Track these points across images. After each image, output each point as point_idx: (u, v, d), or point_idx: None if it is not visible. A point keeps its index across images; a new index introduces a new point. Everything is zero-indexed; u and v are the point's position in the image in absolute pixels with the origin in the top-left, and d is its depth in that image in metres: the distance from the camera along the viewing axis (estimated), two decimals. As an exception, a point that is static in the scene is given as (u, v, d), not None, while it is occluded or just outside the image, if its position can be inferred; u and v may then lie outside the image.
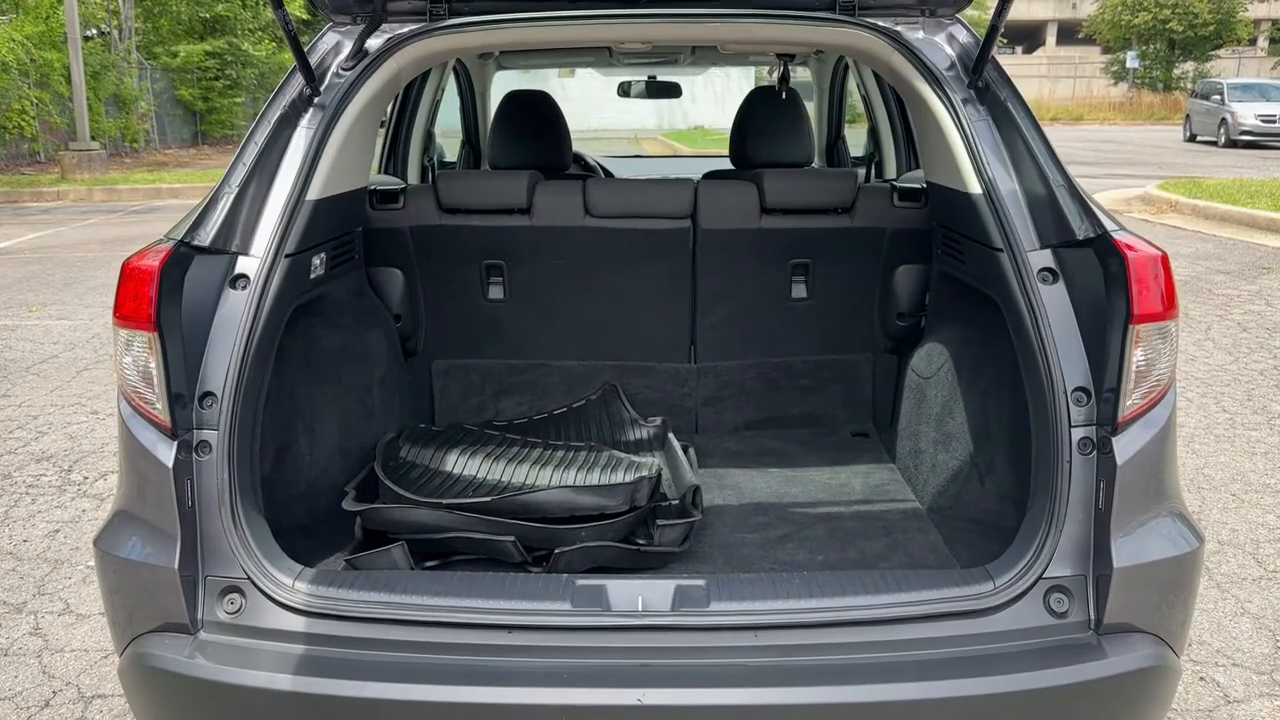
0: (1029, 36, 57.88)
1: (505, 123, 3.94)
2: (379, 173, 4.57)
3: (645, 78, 5.61)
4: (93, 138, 21.17)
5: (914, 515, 2.81)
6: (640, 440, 3.30)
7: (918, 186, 3.19)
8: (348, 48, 2.74)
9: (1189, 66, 45.47)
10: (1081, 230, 2.20)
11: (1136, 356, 2.10)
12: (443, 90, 4.72)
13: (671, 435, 3.18)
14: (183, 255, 2.22)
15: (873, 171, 4.57)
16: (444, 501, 2.51)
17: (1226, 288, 9.30)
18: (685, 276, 3.32)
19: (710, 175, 4.14)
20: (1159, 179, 17.65)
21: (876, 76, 4.40)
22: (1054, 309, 2.21)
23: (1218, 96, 28.56)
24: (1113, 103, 44.33)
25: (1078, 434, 2.11)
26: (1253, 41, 49.45)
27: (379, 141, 4.59)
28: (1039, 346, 2.18)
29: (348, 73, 2.68)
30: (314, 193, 2.52)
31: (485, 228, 3.22)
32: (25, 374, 6.92)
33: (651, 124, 24.90)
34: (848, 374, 3.44)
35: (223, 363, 2.21)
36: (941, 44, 2.70)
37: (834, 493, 2.99)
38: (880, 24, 2.69)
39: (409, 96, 4.54)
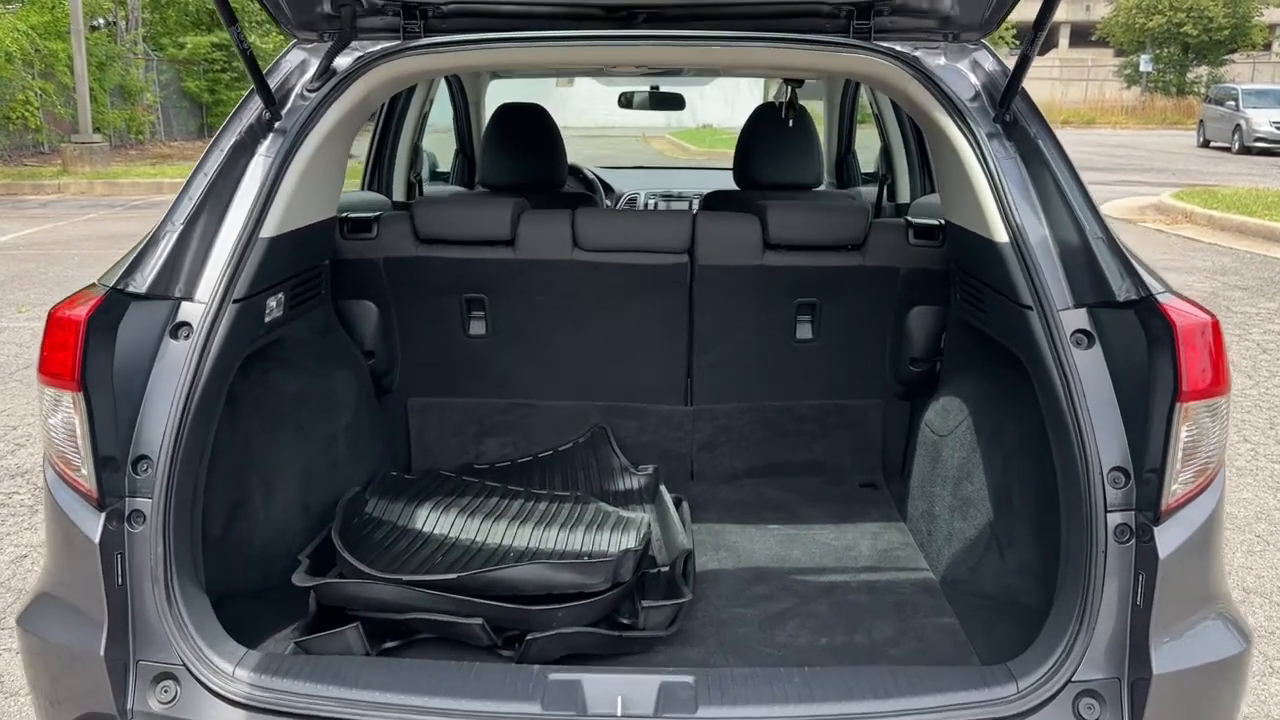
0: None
1: (497, 138, 3.73)
2: (363, 189, 4.34)
3: (648, 88, 5.37)
4: (96, 130, 21.00)
5: (927, 589, 2.57)
6: (630, 491, 3.07)
7: (934, 223, 2.94)
8: (314, 67, 2.52)
9: (1203, 71, 45.06)
10: (1122, 290, 1.97)
11: (1183, 435, 1.87)
12: (431, 102, 4.48)
13: (663, 488, 2.94)
14: (115, 303, 2.00)
15: (884, 194, 4.32)
16: (405, 578, 2.28)
17: (1245, 305, 9.02)
18: (681, 314, 3.08)
19: (712, 199, 3.91)
20: (1173, 187, 17.36)
21: None
22: (1089, 377, 1.98)
23: (1232, 102, 28.20)
24: (1125, 107, 43.94)
25: (1114, 519, 1.88)
26: (1267, 46, 49.04)
27: (365, 154, 4.38)
28: (1071, 419, 1.96)
29: (313, 94, 2.46)
30: (270, 228, 2.29)
31: (465, 260, 2.99)
32: (8, 380, 6.70)
33: (659, 122, 24.64)
34: (855, 420, 3.20)
35: (160, 422, 2.00)
36: (965, 71, 2.46)
37: (840, 557, 2.76)
38: (897, 49, 2.45)
39: (394, 108, 4.31)
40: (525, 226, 2.97)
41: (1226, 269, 10.80)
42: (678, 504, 2.86)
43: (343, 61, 2.52)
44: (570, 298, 3.08)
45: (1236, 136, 27.17)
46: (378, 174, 4.28)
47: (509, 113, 3.77)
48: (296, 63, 2.56)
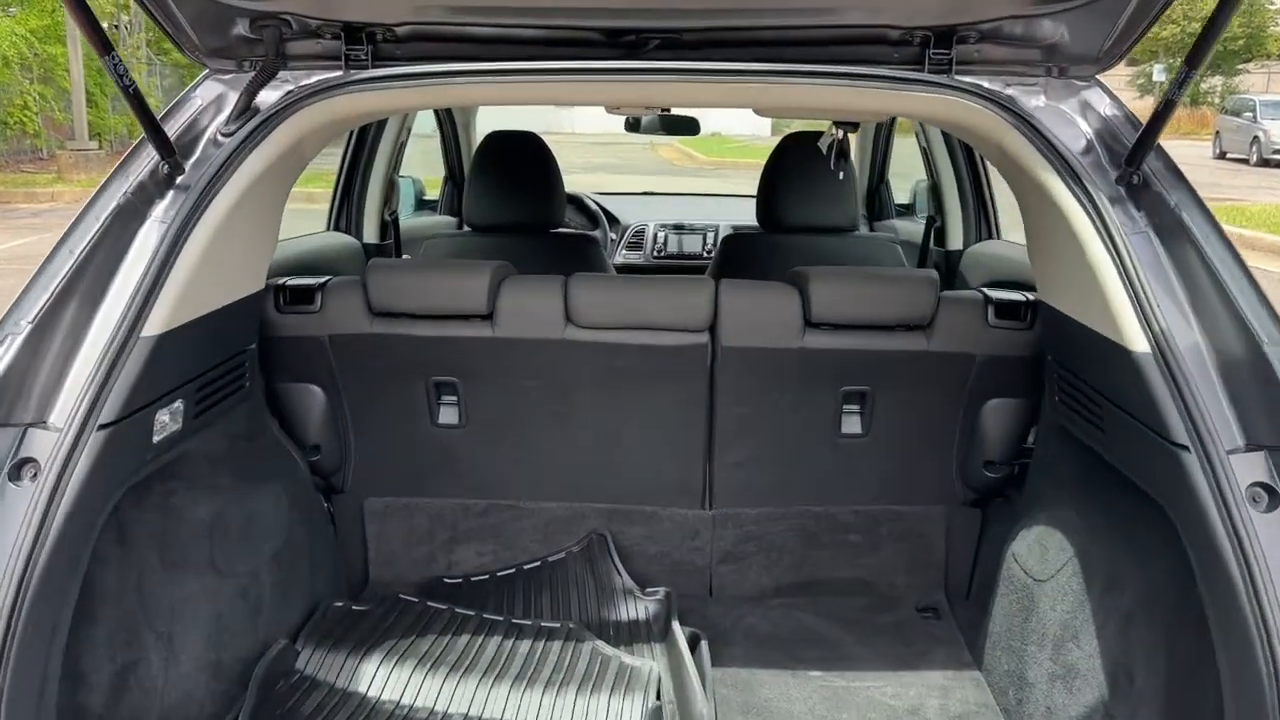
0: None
1: (484, 173, 3.17)
2: (329, 229, 3.77)
3: (657, 110, 4.78)
4: (93, 137, 20.56)
5: None
6: (635, 622, 2.49)
7: (1019, 299, 2.36)
8: (231, 103, 1.96)
9: (1217, 81, 44.39)
10: None
11: None
12: (409, 130, 3.91)
13: (677, 625, 2.36)
14: None
15: (930, 238, 3.74)
16: None
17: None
18: (700, 402, 2.50)
19: (732, 245, 3.32)
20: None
21: None
22: (1273, 547, 1.41)
23: (1250, 113, 27.60)
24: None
25: None
26: (1283, 56, 48.40)
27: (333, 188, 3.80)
28: (1248, 602, 1.40)
29: (228, 139, 1.90)
30: (160, 321, 1.74)
31: (432, 338, 2.41)
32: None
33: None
34: (913, 531, 2.62)
35: None
36: (1073, 116, 1.90)
37: None
38: (986, 86, 1.88)
39: (365, 133, 3.73)
40: (507, 298, 2.39)
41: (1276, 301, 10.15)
42: (694, 643, 2.28)
43: (269, 97, 1.97)
44: (562, 383, 2.50)
45: (1255, 148, 26.54)
46: (345, 211, 3.71)
47: (498, 142, 3.22)
48: (211, 97, 2.01)
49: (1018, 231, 2.30)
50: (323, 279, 2.44)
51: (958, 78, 1.87)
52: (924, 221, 4.51)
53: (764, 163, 3.26)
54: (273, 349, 2.41)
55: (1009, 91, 1.92)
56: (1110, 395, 1.84)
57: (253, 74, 1.96)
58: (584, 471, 2.62)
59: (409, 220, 4.64)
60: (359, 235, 3.77)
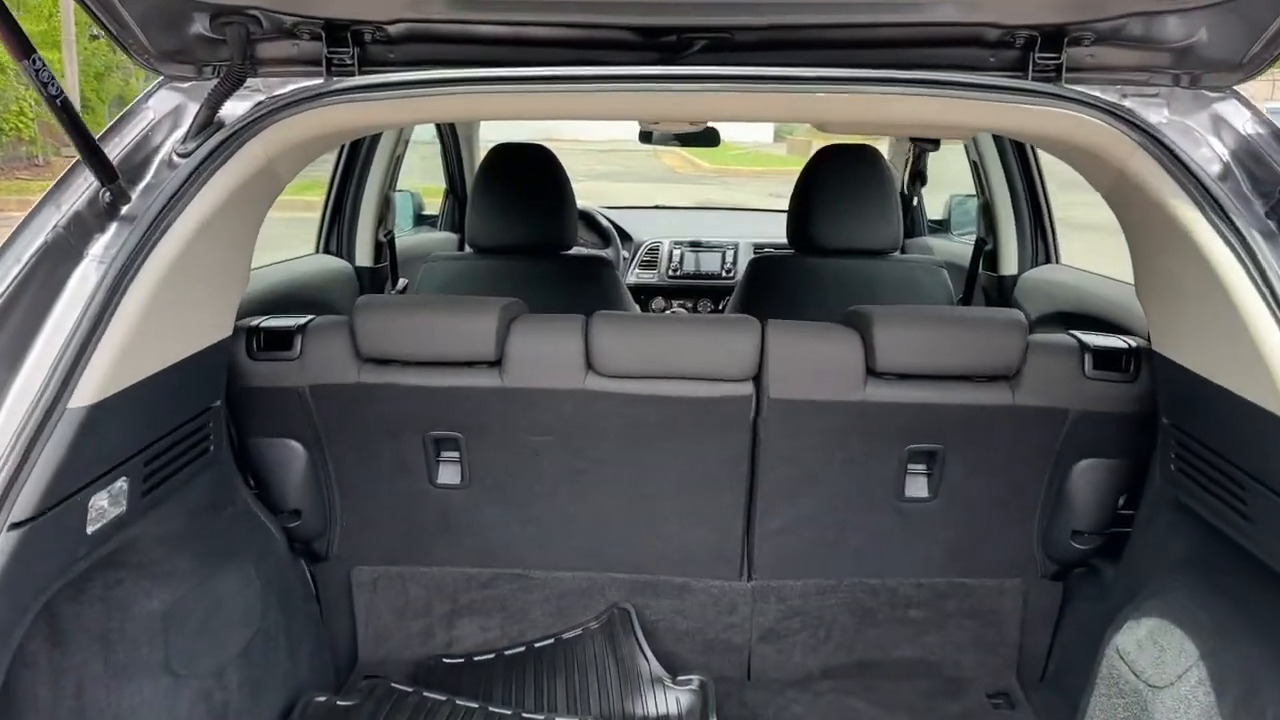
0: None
1: (490, 189, 2.84)
2: (318, 251, 3.43)
3: (702, 125, 4.44)
4: (87, 143, 20.28)
5: None
6: (665, 718, 2.14)
7: (1121, 346, 2.03)
8: (190, 117, 1.64)
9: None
10: None
11: None
12: (406, 143, 3.58)
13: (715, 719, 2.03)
14: None
15: (979, 262, 3.40)
16: None
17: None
18: (740, 460, 2.17)
19: (762, 269, 2.98)
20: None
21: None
22: None
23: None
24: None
25: None
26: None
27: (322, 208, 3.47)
28: None
29: (185, 160, 1.58)
30: (94, 388, 1.41)
31: (431, 389, 2.07)
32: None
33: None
34: (984, 606, 2.28)
35: None
36: (1203, 134, 1.58)
37: None
38: (1103, 98, 1.56)
39: (358, 147, 3.40)
40: (518, 341, 2.06)
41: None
42: None
43: (235, 109, 1.64)
44: (581, 438, 2.16)
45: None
46: (336, 232, 3.37)
47: (505, 156, 2.89)
48: (165, 111, 1.68)
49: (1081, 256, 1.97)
50: (303, 319, 2.11)
51: (1072, 88, 1.54)
52: (958, 240, 4.19)
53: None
54: (245, 401, 2.08)
55: (1128, 104, 1.59)
56: (1256, 473, 1.51)
57: (215, 82, 1.64)
58: (604, 537, 2.29)
59: (406, 237, 4.31)
60: (351, 258, 3.44)
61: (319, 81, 1.63)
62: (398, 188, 4.29)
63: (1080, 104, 1.53)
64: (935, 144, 2.45)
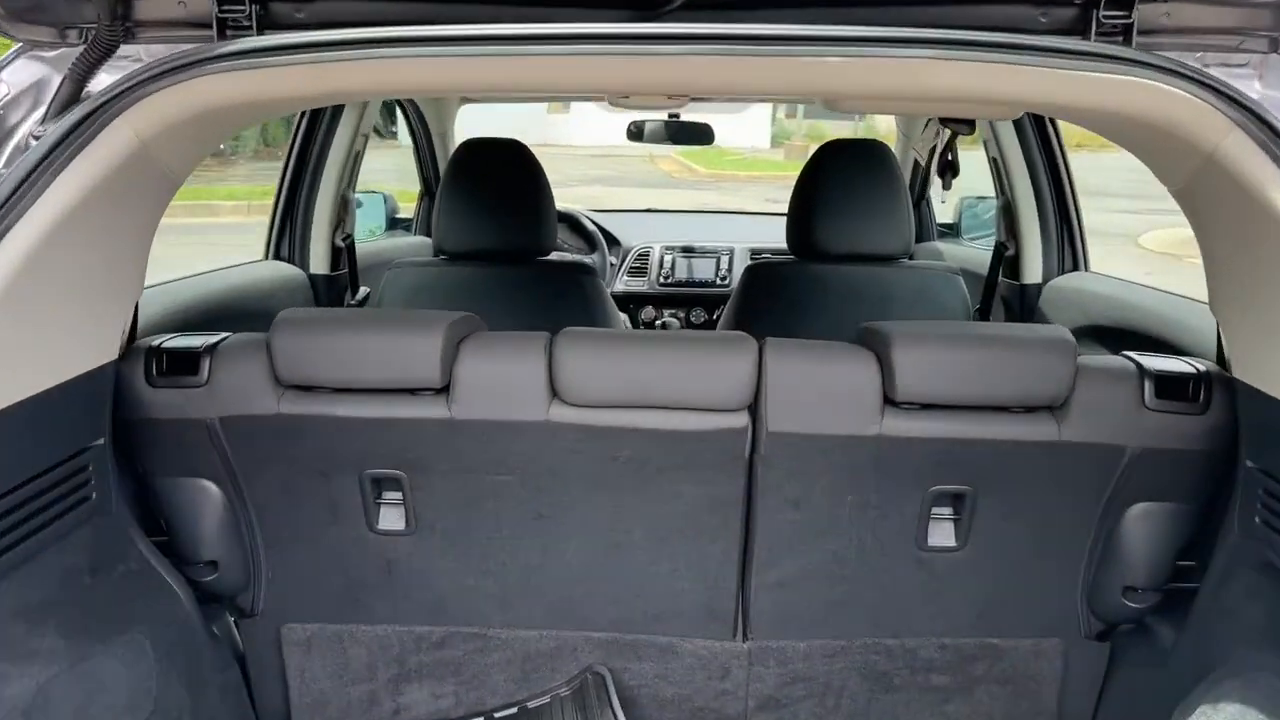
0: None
1: (458, 188, 2.54)
2: (266, 257, 3.11)
3: (664, 116, 4.14)
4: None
5: None
6: None
7: (1188, 371, 1.70)
8: (53, 89, 1.32)
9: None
10: None
11: None
12: (366, 137, 3.25)
13: None
14: None
15: (999, 269, 3.07)
16: None
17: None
18: (734, 503, 1.84)
19: (760, 276, 2.66)
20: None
21: (1020, 124, 2.89)
22: None
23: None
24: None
25: None
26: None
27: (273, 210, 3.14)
28: None
29: (39, 140, 1.27)
30: None
31: (365, 420, 1.75)
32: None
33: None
34: (1018, 670, 1.95)
35: None
36: None
37: None
38: (1190, 65, 1.24)
39: (310, 141, 3.07)
40: (468, 364, 1.73)
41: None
42: None
43: (104, 81, 1.32)
44: (546, 477, 1.84)
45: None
46: (287, 236, 3.04)
47: (474, 153, 2.59)
48: (24, 85, 1.37)
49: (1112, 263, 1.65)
50: (214, 338, 1.78)
51: (1157, 54, 1.22)
52: (970, 244, 3.91)
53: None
54: (146, 435, 1.75)
55: (1214, 73, 1.28)
56: None
57: (83, 48, 1.32)
58: (575, 590, 1.96)
59: (378, 243, 3.99)
60: (304, 265, 3.11)
61: (205, 44, 1.31)
62: (369, 188, 3.98)
63: (1162, 70, 1.22)
64: (970, 125, 2.13)
